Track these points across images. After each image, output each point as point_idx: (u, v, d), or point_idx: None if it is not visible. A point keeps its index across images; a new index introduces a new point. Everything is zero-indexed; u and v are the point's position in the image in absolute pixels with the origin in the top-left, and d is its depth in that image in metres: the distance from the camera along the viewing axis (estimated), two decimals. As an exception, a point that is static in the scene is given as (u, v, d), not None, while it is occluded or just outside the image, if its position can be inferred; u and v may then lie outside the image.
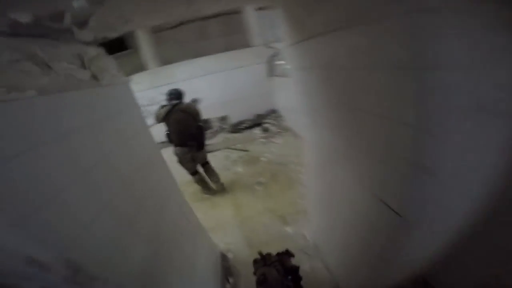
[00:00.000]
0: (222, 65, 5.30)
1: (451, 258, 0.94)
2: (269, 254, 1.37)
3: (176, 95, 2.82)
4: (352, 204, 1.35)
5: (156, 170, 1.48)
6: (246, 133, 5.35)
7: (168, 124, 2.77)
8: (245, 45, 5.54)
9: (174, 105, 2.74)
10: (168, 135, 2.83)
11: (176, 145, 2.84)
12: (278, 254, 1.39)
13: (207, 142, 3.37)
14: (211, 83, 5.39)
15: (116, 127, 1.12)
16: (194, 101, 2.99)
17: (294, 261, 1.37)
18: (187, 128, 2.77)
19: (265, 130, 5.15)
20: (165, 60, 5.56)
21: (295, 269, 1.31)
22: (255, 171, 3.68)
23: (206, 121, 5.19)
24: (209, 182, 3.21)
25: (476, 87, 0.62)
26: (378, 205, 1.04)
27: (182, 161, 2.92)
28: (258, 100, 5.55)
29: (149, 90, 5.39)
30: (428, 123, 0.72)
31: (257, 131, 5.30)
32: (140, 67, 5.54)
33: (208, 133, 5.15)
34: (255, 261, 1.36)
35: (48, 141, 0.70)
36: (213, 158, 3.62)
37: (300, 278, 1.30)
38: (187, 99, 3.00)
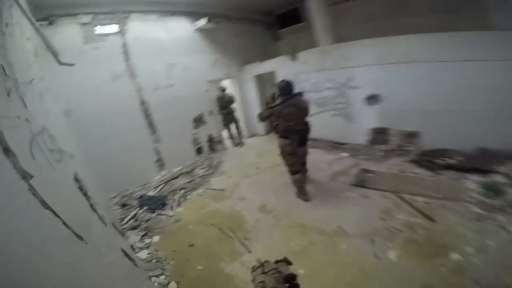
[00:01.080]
0: (435, 51, 3.06)
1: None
2: (267, 262, 1.52)
3: (287, 90, 2.87)
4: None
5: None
6: (444, 177, 3.03)
7: (279, 117, 2.90)
8: (480, 27, 3.13)
9: (285, 99, 2.84)
10: (275, 126, 3.07)
11: (280, 137, 3.02)
12: (276, 262, 1.58)
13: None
14: (405, 76, 3.47)
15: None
16: (301, 94, 3.02)
17: (291, 269, 1.56)
18: (296, 122, 2.86)
19: (492, 188, 2.59)
20: (341, 38, 4.44)
21: (293, 277, 1.44)
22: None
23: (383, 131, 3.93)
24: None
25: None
26: None
27: (283, 154, 3.07)
28: (494, 123, 2.86)
29: (316, 72, 4.60)
30: None
31: (471, 182, 2.82)
32: (313, 44, 4.85)
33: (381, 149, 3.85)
34: (254, 269, 1.49)
35: None
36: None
37: (297, 286, 1.44)
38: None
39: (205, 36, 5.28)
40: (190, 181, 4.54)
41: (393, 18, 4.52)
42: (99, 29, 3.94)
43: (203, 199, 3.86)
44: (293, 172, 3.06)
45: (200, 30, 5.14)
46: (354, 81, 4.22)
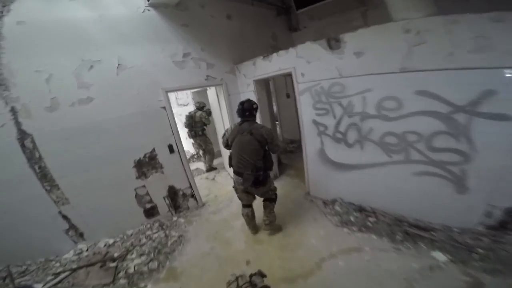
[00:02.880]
0: None
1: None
2: (241, 276, 1.58)
3: (243, 111, 2.25)
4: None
5: None
6: None
7: (230, 147, 2.37)
8: None
9: (241, 123, 2.29)
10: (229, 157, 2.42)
11: (233, 171, 2.40)
12: (250, 275, 1.60)
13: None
14: None
15: None
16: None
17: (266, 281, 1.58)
18: (250, 156, 2.20)
19: None
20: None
21: None
22: None
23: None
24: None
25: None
26: None
27: (236, 189, 2.52)
28: None
29: (385, 77, 2.15)
30: None
31: None
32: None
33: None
34: (229, 283, 1.56)
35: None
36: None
37: (272, 299, 1.41)
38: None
39: (168, 17, 2.99)
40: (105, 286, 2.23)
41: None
42: None
43: None
44: (243, 205, 2.58)
45: (158, 5, 2.88)
46: (494, 102, 1.63)
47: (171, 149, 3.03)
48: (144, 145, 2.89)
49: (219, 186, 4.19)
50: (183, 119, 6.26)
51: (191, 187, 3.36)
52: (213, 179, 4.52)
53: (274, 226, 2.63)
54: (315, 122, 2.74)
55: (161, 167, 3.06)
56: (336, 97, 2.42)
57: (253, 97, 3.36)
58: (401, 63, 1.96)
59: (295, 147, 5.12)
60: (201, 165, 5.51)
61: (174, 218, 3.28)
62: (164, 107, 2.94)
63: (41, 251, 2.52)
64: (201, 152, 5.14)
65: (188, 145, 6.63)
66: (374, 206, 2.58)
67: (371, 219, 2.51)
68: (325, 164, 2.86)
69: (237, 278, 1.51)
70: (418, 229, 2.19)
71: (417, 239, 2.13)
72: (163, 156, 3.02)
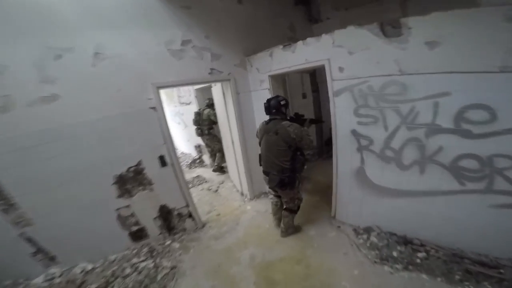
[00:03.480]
0: None
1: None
2: None
3: (269, 109, 2.10)
4: None
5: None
6: None
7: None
8: None
9: (268, 122, 2.14)
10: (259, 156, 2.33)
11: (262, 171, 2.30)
12: None
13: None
14: None
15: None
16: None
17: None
18: (275, 155, 2.08)
19: None
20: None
21: None
22: None
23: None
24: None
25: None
26: None
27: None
28: None
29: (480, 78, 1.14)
30: None
31: None
32: None
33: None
34: None
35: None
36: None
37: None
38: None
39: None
40: None
41: None
42: None
43: None
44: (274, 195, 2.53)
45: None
46: None
47: (163, 161, 2.41)
48: (128, 157, 2.27)
49: (222, 201, 3.57)
50: (185, 119, 5.66)
51: (188, 206, 2.75)
52: (216, 191, 3.90)
53: (291, 232, 2.52)
54: (355, 133, 2.08)
55: (150, 183, 2.45)
56: (392, 101, 1.75)
57: (267, 95, 2.71)
58: (503, 60, 1.28)
59: (310, 154, 4.45)
60: (203, 171, 4.90)
61: (167, 242, 2.68)
62: (154, 108, 2.31)
63: (8, 273, 2.01)
64: (207, 153, 4.85)
65: (189, 147, 6.04)
66: (423, 238, 1.98)
67: (420, 254, 1.93)
68: (362, 187, 2.20)
69: None
70: (483, 266, 1.68)
71: (481, 279, 1.65)
72: (152, 170, 2.41)
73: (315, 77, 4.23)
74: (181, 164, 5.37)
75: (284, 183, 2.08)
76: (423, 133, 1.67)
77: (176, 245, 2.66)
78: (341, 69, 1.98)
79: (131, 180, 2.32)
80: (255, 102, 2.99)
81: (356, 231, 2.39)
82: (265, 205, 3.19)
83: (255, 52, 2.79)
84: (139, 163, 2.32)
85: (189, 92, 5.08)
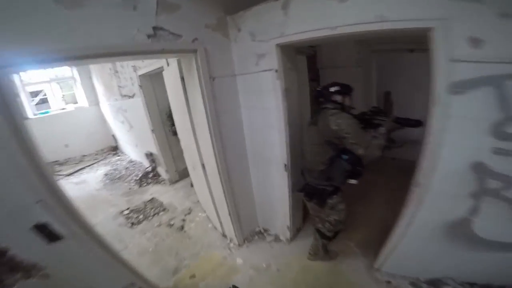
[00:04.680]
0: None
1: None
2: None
3: (317, 97, 1.62)
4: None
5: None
6: None
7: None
8: None
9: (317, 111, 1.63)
10: None
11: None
12: None
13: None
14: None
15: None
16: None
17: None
18: (309, 152, 1.64)
19: None
20: None
21: None
22: None
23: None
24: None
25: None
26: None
27: None
28: None
29: None
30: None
31: None
32: None
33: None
34: None
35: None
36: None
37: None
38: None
39: None
40: None
41: None
42: None
43: None
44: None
45: None
46: None
47: (49, 234, 1.04)
48: None
49: (195, 247, 2.30)
50: (129, 117, 4.13)
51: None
52: (182, 228, 2.61)
53: (321, 257, 1.95)
54: (481, 169, 1.06)
55: (36, 268, 1.09)
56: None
57: (270, 82, 1.55)
58: None
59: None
60: (159, 190, 3.51)
61: None
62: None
63: None
64: (162, 163, 3.62)
65: (139, 155, 4.51)
66: None
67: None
68: (451, 240, 1.33)
69: None
70: None
71: None
72: (30, 250, 1.04)
73: (315, 61, 3.11)
74: (129, 179, 4.04)
75: (311, 194, 1.63)
76: None
77: None
78: (475, 42, 0.92)
79: None
80: (245, 94, 1.76)
81: (415, 284, 1.62)
82: (264, 255, 2.08)
83: (248, 5, 1.53)
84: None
85: (131, 81, 3.52)
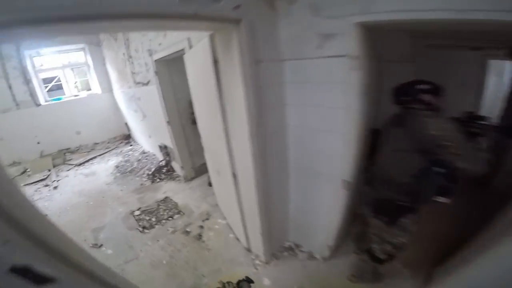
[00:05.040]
0: None
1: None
2: (229, 282, 1.59)
3: (397, 95, 1.30)
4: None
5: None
6: None
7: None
8: None
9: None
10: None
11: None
12: (238, 282, 1.60)
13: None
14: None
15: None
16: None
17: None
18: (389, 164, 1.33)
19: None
20: None
21: None
22: None
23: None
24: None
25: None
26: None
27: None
28: None
29: None
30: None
31: None
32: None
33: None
34: None
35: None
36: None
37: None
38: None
39: None
40: None
41: None
42: None
43: None
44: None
45: None
46: None
47: (31, 276, 0.71)
48: None
49: (214, 262, 1.98)
50: (143, 106, 3.83)
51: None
52: (200, 237, 2.29)
53: (367, 279, 1.62)
54: None
55: None
56: None
57: (341, 72, 1.15)
58: None
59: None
60: (173, 188, 3.21)
61: None
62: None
63: None
64: (178, 158, 3.25)
65: (153, 146, 4.23)
66: None
67: None
68: None
69: (224, 285, 1.53)
70: None
71: None
72: None
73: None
74: (141, 173, 3.75)
75: (380, 208, 1.31)
76: None
77: None
78: None
79: None
80: (295, 87, 1.34)
81: None
82: (296, 275, 1.75)
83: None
84: None
85: (146, 67, 3.17)
